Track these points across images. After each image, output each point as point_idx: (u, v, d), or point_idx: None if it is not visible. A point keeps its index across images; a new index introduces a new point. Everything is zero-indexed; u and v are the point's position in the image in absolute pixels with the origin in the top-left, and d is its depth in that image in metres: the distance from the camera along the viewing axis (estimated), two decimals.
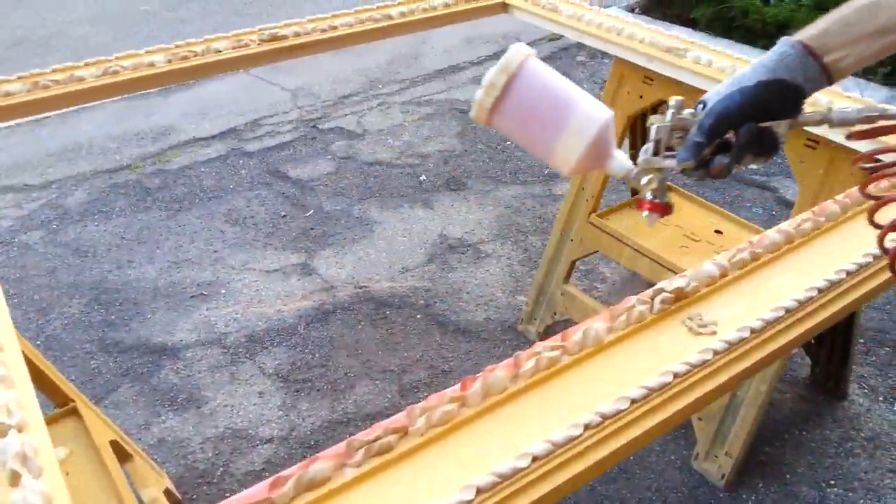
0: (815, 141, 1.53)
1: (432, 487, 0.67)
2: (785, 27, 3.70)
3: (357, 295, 2.41)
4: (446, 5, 1.94)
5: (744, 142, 0.80)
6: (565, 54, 4.24)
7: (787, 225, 1.04)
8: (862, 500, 1.77)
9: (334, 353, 2.19)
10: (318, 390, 2.06)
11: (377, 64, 4.08)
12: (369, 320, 2.31)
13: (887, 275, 0.98)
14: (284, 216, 2.84)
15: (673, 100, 0.85)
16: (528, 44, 4.44)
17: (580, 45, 4.30)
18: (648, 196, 0.88)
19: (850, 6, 0.78)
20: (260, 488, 0.66)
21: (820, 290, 0.93)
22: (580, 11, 1.87)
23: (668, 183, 2.19)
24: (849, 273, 0.96)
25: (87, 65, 1.54)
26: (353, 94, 3.80)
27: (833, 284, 0.95)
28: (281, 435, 1.92)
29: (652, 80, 1.82)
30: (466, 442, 0.73)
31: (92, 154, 3.23)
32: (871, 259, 0.99)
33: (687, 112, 0.85)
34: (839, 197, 1.11)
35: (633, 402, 0.77)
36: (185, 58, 1.61)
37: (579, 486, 0.71)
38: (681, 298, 0.92)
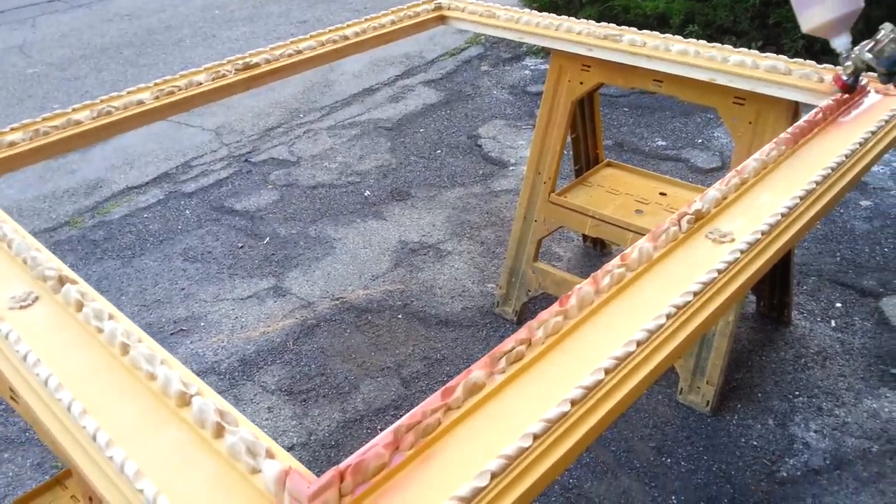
0: (742, 98, 1.79)
1: (559, 383, 0.82)
2: (665, 18, 4.09)
3: (336, 306, 2.51)
4: (392, 23, 2.10)
5: None
6: (469, 66, 4.48)
7: (760, 154, 1.26)
8: (823, 403, 2.04)
9: (329, 361, 2.28)
10: (324, 396, 2.15)
11: (292, 95, 4.19)
12: (354, 327, 2.42)
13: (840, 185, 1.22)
14: (241, 247, 2.90)
15: (887, 26, 1.16)
16: (431, 61, 4.66)
17: (481, 57, 4.56)
18: (843, 76, 1.20)
19: None
20: (434, 397, 0.79)
21: (801, 199, 1.15)
22: (517, 14, 2.07)
23: (611, 160, 2.44)
24: (817, 183, 1.19)
25: (76, 109, 1.60)
26: (277, 125, 3.88)
27: (809, 193, 1.17)
28: (301, 441, 2.00)
29: (589, 66, 2.05)
30: (572, 349, 0.88)
31: (25, 216, 3.16)
32: (827, 172, 1.22)
33: None
34: (789, 131, 1.34)
35: (695, 294, 0.95)
36: (170, 93, 1.69)
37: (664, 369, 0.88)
38: (700, 218, 1.11)
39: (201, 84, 1.74)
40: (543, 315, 0.90)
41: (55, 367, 0.87)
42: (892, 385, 2.08)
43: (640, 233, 2.02)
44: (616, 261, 1.01)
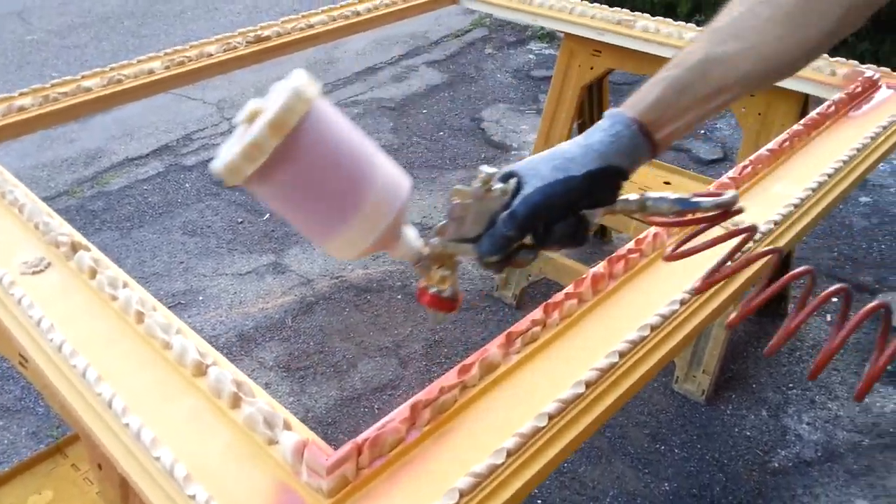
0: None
1: (574, 365, 0.83)
2: (672, 7, 4.08)
3: (335, 285, 2.51)
4: (405, 0, 2.09)
5: (561, 236, 0.69)
6: (473, 48, 4.45)
7: (773, 144, 1.26)
8: (817, 396, 2.06)
9: (327, 339, 2.29)
10: (321, 374, 2.15)
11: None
12: (353, 306, 2.42)
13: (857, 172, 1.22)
14: (241, 222, 2.89)
15: (483, 171, 0.68)
16: (435, 42, 4.64)
17: (486, 39, 4.54)
18: (433, 289, 0.73)
19: (679, 65, 0.69)
20: (450, 374, 0.80)
21: (813, 190, 1.16)
22: None
23: None
24: (829, 176, 1.20)
25: (86, 77, 1.59)
26: None
27: (821, 185, 1.18)
28: (298, 418, 2.00)
29: (600, 51, 2.04)
30: (586, 332, 0.89)
31: (23, 185, 3.13)
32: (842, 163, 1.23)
33: (496, 188, 0.68)
34: (801, 122, 1.34)
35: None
36: (181, 63, 1.68)
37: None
38: None
39: (212, 55, 1.73)
40: (558, 297, 0.91)
41: (69, 333, 0.87)
42: (884, 381, 2.10)
43: (643, 221, 2.02)
44: (630, 245, 1.02)
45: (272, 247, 2.73)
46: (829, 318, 2.33)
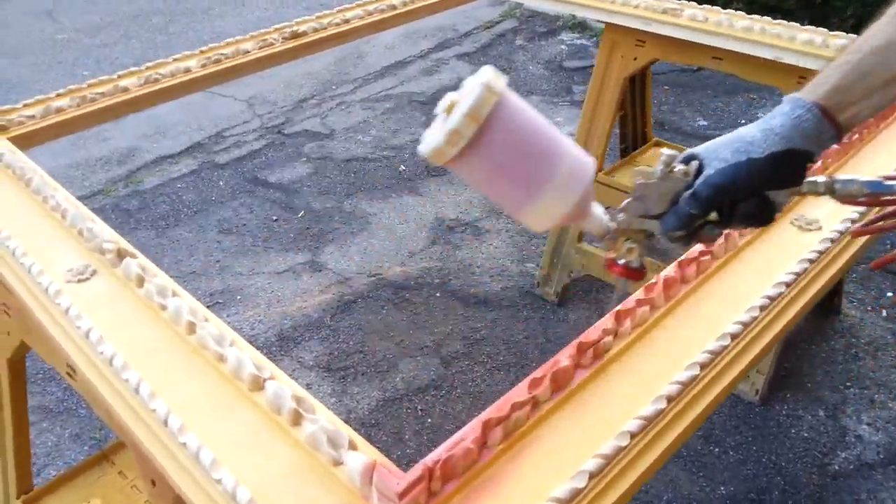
0: (804, 77, 1.71)
1: (651, 378, 0.78)
2: None
3: (373, 283, 2.48)
4: None
5: (744, 215, 0.72)
6: (503, 40, 4.39)
7: None
8: (876, 395, 1.98)
9: (367, 338, 2.25)
10: (362, 374, 2.12)
11: (324, 66, 4.12)
12: (392, 304, 2.38)
13: None
14: (276, 220, 2.86)
15: (664, 154, 0.74)
16: (465, 34, 4.55)
17: (516, 31, 4.47)
18: (621, 261, 0.77)
19: (859, 50, 0.70)
20: (520, 389, 0.75)
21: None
22: None
23: (659, 139, 2.36)
24: None
25: (122, 76, 1.56)
26: (309, 97, 3.83)
27: None
28: (340, 419, 1.97)
29: (644, 42, 1.97)
30: (660, 342, 0.83)
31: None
32: None
33: (678, 169, 0.72)
34: None
35: (787, 284, 0.90)
36: (217, 61, 1.65)
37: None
38: None
39: (248, 52, 1.69)
40: (629, 304, 0.85)
41: (118, 344, 0.84)
42: None
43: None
44: (699, 247, 0.96)
45: (308, 245, 2.70)
46: (884, 313, 2.24)
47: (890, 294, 2.32)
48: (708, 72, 3.63)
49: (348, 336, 2.26)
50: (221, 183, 3.13)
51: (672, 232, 0.73)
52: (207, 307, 2.41)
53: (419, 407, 2.00)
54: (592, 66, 3.84)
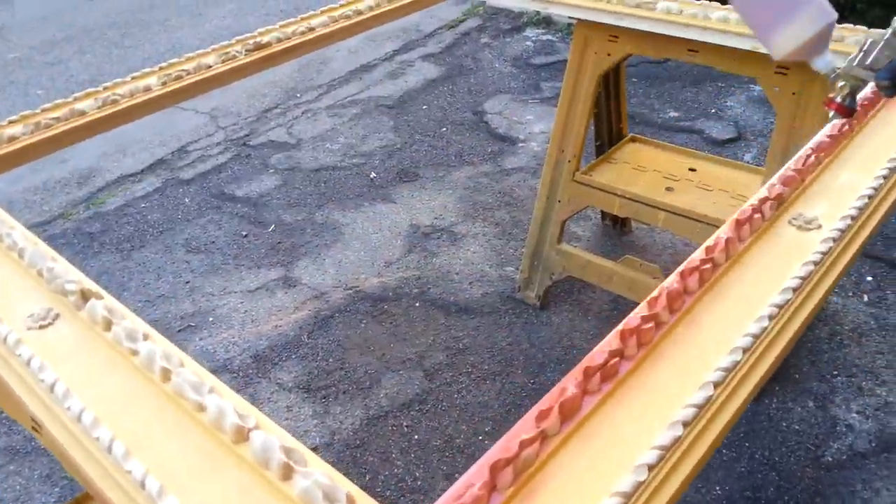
0: (786, 67, 1.69)
1: (663, 401, 0.73)
2: None
3: (350, 296, 2.41)
4: None
5: None
6: (468, 39, 4.34)
7: (831, 130, 1.16)
8: (863, 382, 1.97)
9: (347, 354, 2.19)
10: (344, 392, 2.05)
11: (288, 74, 4.04)
12: (370, 317, 2.32)
13: None
14: (246, 235, 2.78)
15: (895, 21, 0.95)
16: (429, 34, 4.50)
17: (481, 29, 4.43)
18: (838, 98, 0.99)
19: None
20: (526, 422, 0.70)
21: (885, 178, 1.06)
22: None
23: (635, 135, 2.34)
24: None
25: (78, 98, 1.48)
26: (273, 106, 3.75)
27: (892, 171, 1.08)
28: (324, 442, 1.91)
29: (617, 37, 1.93)
30: (670, 360, 0.79)
31: (16, 210, 3.02)
32: None
33: None
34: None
35: (794, 290, 0.86)
36: (178, 77, 1.57)
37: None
38: (781, 203, 1.02)
39: (211, 67, 1.62)
40: (633, 321, 0.81)
41: (87, 397, 0.77)
42: None
43: (673, 212, 1.93)
44: (700, 254, 0.92)
45: (280, 259, 2.62)
46: (865, 298, 2.24)
47: (870, 279, 2.32)
48: (675, 62, 3.62)
49: (327, 353, 2.19)
50: (187, 200, 3.04)
51: (881, 81, 0.92)
52: (178, 331, 2.33)
53: (405, 423, 1.94)
54: (560, 61, 3.82)
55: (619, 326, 0.81)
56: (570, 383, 0.74)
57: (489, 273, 2.46)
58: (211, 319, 2.37)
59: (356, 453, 1.88)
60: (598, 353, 0.77)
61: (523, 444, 0.67)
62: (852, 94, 0.98)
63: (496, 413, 1.94)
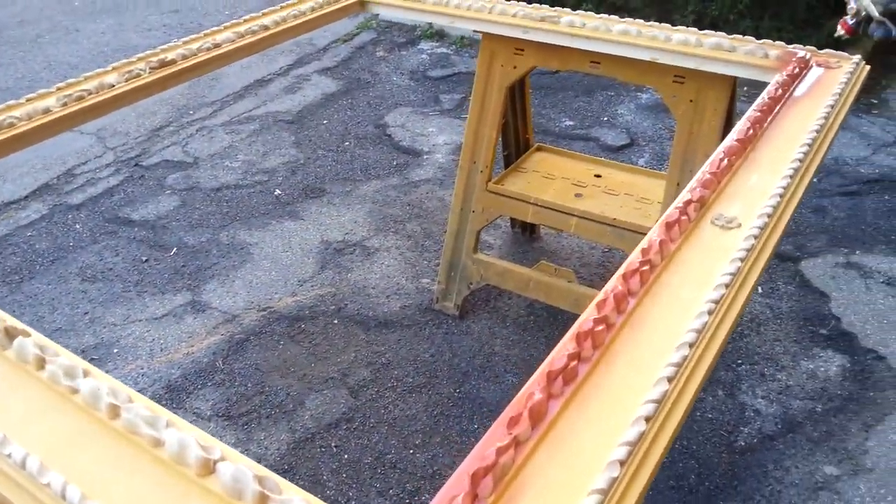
0: (682, 76, 1.79)
1: (624, 399, 0.76)
2: None
3: (264, 317, 2.35)
4: (313, 9, 1.96)
5: None
6: (363, 52, 4.34)
7: (738, 134, 1.25)
8: (765, 369, 2.11)
9: (266, 377, 2.13)
10: (267, 417, 2.00)
11: (177, 90, 3.89)
12: (287, 338, 2.27)
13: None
14: (146, 260, 2.66)
15: None
16: (323, 48, 4.46)
17: (375, 42, 4.43)
18: (851, 21, 1.22)
19: None
20: (498, 429, 0.71)
21: (791, 177, 1.15)
22: None
23: (541, 144, 2.41)
24: (800, 161, 1.19)
25: None
26: (165, 124, 3.60)
27: (796, 171, 1.16)
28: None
29: (523, 50, 1.99)
30: (623, 359, 0.82)
31: None
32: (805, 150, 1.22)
33: None
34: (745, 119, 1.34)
35: (727, 286, 0.92)
36: (80, 98, 1.49)
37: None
38: (703, 205, 1.08)
39: (114, 86, 1.54)
40: (586, 325, 0.83)
41: (29, 443, 0.72)
42: (822, 345, 2.17)
43: (584, 217, 2.00)
44: (637, 256, 0.96)
45: (186, 284, 2.52)
46: (759, 289, 2.39)
47: None
48: (565, 73, 3.75)
49: (245, 378, 2.13)
50: (78, 226, 2.87)
51: (891, 6, 1.07)
52: None
53: (333, 444, 1.91)
54: (456, 74, 3.88)
55: (573, 330, 0.84)
56: (535, 388, 0.76)
57: (406, 286, 2.46)
58: (116, 351, 2.25)
59: (285, 478, 1.82)
60: (558, 358, 0.80)
61: (500, 451, 0.68)
62: (858, 19, 1.27)
63: (425, 425, 1.94)
